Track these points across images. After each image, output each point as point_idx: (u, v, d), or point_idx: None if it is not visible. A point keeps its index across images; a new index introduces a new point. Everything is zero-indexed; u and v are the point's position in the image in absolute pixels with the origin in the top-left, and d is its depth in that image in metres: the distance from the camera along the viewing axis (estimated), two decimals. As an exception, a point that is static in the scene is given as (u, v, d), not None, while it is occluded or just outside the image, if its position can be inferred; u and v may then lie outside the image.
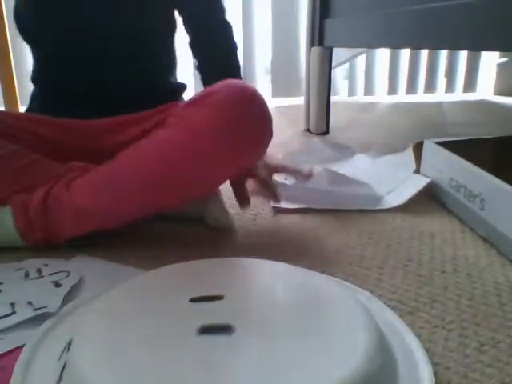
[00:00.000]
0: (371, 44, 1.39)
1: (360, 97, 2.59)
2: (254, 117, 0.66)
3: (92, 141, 0.81)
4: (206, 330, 0.44)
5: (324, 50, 1.53)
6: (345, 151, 1.27)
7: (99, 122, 0.82)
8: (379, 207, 0.91)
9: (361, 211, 0.89)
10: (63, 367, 0.42)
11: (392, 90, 2.65)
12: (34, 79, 0.87)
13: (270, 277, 0.58)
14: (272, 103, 2.20)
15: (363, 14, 1.30)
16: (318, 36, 1.53)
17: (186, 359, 0.41)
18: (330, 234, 0.79)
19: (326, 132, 1.61)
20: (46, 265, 0.65)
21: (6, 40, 1.63)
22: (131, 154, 0.69)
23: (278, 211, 0.89)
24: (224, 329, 0.45)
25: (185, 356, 0.41)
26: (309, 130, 1.64)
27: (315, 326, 0.46)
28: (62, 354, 0.44)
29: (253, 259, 0.62)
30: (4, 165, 0.70)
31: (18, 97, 1.66)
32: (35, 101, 0.87)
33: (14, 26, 0.83)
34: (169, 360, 0.41)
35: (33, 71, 0.87)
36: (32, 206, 0.67)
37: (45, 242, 0.69)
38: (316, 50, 1.53)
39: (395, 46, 1.40)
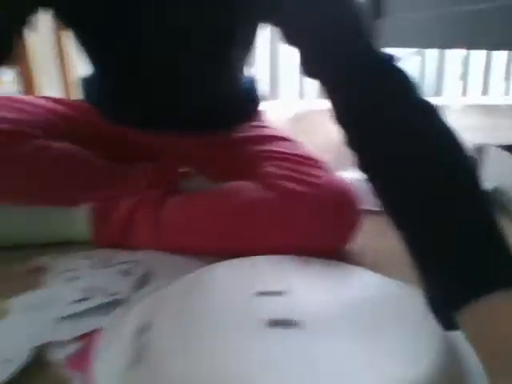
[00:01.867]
0: (427, 44, 1.37)
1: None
2: (349, 222, 0.68)
3: (155, 151, 0.83)
4: (275, 322, 0.46)
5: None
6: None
7: (164, 141, 0.82)
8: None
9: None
10: (140, 348, 0.45)
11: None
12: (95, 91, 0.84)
13: (336, 276, 0.58)
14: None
15: (419, 13, 1.28)
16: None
17: (257, 349, 0.42)
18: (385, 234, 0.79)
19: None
20: (114, 255, 0.68)
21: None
22: (219, 201, 0.70)
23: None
24: (291, 324, 0.45)
25: (256, 346, 0.43)
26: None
27: (382, 328, 0.46)
28: (138, 336, 0.47)
29: (312, 258, 0.63)
30: (78, 169, 0.73)
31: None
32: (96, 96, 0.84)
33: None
34: (241, 348, 0.42)
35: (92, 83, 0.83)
36: (112, 226, 0.70)
37: (113, 247, 0.71)
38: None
39: (451, 45, 1.37)
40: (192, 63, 0.73)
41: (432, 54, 2.50)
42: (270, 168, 0.74)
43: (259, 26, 0.76)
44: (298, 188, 0.67)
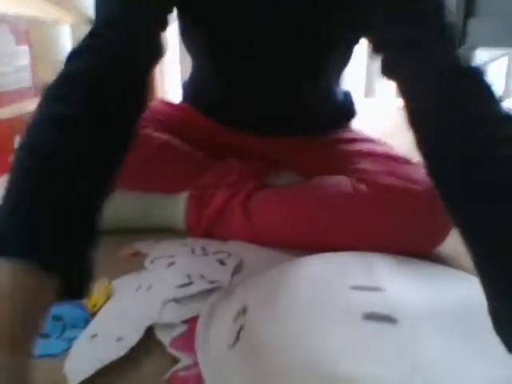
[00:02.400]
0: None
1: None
2: (446, 222, 0.59)
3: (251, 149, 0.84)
4: (370, 316, 0.45)
5: (466, 51, 1.45)
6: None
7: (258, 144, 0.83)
8: None
9: None
10: (239, 329, 0.46)
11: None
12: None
13: (428, 275, 0.56)
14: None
15: (509, 13, 1.21)
16: (460, 35, 1.45)
17: (354, 341, 0.42)
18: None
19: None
20: (208, 244, 0.70)
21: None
22: (307, 198, 0.70)
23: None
24: (387, 319, 0.44)
25: (353, 337, 0.43)
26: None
27: (478, 329, 0.42)
28: (236, 319, 0.48)
29: (402, 256, 0.61)
30: (180, 160, 0.77)
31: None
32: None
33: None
34: (337, 338, 0.42)
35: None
36: (207, 213, 0.72)
37: (205, 235, 0.73)
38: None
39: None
40: (293, 68, 0.74)
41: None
42: (363, 165, 0.72)
43: (355, 39, 0.75)
44: (397, 183, 0.65)
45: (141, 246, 0.70)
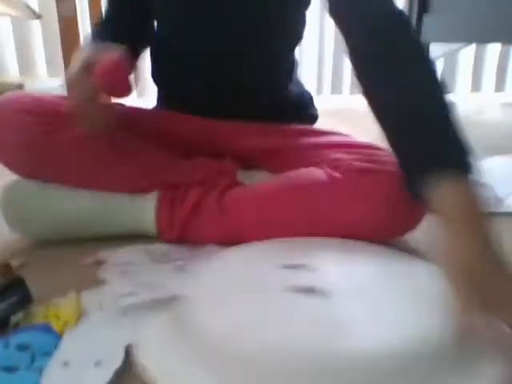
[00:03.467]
0: (477, 39, 1.33)
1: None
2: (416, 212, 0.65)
3: (215, 143, 0.82)
4: (298, 289, 0.49)
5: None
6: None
7: (225, 126, 0.82)
8: (503, 210, 0.86)
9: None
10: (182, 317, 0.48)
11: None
12: (160, 79, 0.88)
13: (367, 255, 0.59)
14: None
15: (470, 7, 1.24)
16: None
17: (282, 312, 0.46)
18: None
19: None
20: (170, 251, 0.67)
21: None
22: (282, 189, 0.68)
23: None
24: (315, 291, 0.48)
25: (281, 309, 0.46)
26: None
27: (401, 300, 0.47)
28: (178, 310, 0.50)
29: (345, 240, 0.63)
30: (147, 157, 0.74)
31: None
32: (160, 100, 0.89)
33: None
34: (266, 310, 0.46)
35: (156, 72, 0.88)
36: (180, 213, 0.69)
37: (178, 241, 0.70)
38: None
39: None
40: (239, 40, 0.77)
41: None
42: (335, 155, 0.71)
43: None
44: (371, 166, 0.65)
45: (104, 254, 0.66)
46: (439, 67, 2.34)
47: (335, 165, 0.68)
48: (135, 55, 0.79)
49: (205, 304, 0.48)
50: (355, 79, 0.64)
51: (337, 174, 0.66)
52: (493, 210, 0.86)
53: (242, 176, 0.78)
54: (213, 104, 0.81)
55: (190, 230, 0.69)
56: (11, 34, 1.73)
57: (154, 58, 0.88)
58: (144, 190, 0.72)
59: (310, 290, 0.48)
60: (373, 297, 0.48)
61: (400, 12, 0.64)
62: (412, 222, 0.67)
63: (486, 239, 0.46)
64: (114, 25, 0.81)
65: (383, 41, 0.61)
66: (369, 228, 0.64)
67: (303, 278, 0.51)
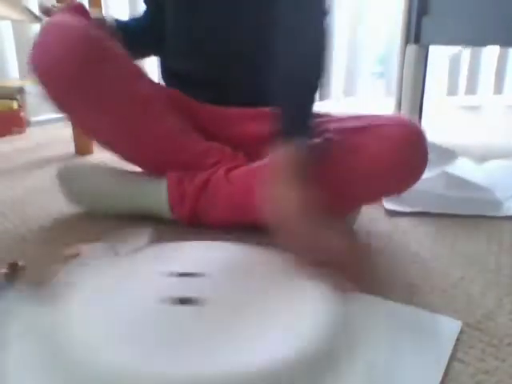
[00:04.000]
0: (476, 41, 1.33)
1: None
2: (421, 156, 0.69)
3: (225, 129, 0.83)
4: (179, 300, 0.49)
5: (420, 48, 1.48)
6: (446, 154, 1.22)
7: (230, 112, 0.82)
8: (503, 214, 0.86)
9: (483, 216, 0.85)
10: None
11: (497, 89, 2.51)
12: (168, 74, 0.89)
13: (251, 261, 0.60)
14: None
15: (470, 10, 1.24)
16: (414, 33, 1.48)
17: (166, 326, 0.45)
18: (456, 239, 0.77)
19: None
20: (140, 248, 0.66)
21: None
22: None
23: (393, 214, 0.87)
24: (198, 301, 0.49)
25: (165, 323, 0.46)
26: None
27: (279, 309, 0.48)
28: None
29: (236, 244, 0.64)
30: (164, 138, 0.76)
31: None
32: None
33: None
34: (153, 325, 0.45)
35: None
36: (191, 188, 0.74)
37: (190, 219, 0.75)
38: (412, 47, 1.49)
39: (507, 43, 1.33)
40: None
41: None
42: (329, 125, 0.72)
43: None
44: (365, 124, 0.68)
45: (84, 248, 0.67)
46: (439, 68, 2.35)
47: (329, 130, 0.71)
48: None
49: (73, 327, 0.45)
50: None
51: (330, 135, 0.69)
52: (492, 213, 0.86)
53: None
54: (216, 93, 0.82)
55: (200, 205, 0.74)
56: (12, 38, 1.73)
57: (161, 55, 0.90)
58: (158, 171, 0.77)
59: (188, 302, 0.49)
60: (251, 310, 0.48)
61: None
62: (418, 166, 0.69)
63: (301, 185, 0.57)
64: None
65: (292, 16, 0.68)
66: (376, 176, 0.66)
67: (186, 288, 0.51)
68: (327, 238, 0.55)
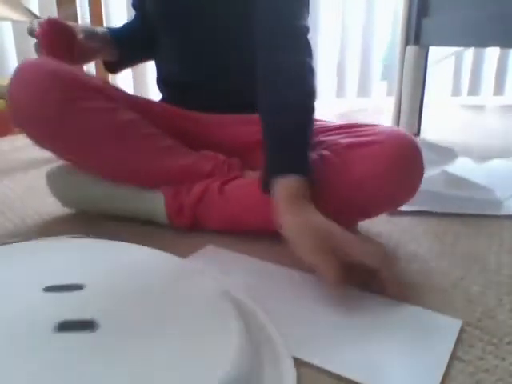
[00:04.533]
0: (476, 43, 1.34)
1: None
2: (417, 173, 0.68)
3: (213, 135, 0.84)
4: (65, 325, 0.39)
5: (420, 49, 1.48)
6: (446, 154, 1.22)
7: (218, 118, 0.84)
8: (503, 213, 0.86)
9: (483, 216, 0.85)
10: None
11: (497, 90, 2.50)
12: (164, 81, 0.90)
13: (136, 264, 0.52)
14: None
15: (470, 11, 1.24)
16: (414, 34, 1.48)
17: (40, 361, 0.35)
18: (456, 238, 0.77)
19: (417, 134, 1.56)
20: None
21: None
22: None
23: (393, 213, 0.87)
24: (86, 325, 0.39)
25: (39, 357, 0.35)
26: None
27: (181, 325, 0.41)
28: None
29: (117, 242, 0.58)
30: (156, 158, 0.75)
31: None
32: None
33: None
34: (21, 361, 0.35)
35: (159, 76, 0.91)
36: (189, 200, 0.74)
37: (190, 227, 0.75)
38: (411, 48, 1.49)
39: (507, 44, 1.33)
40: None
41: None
42: (321, 138, 0.72)
43: None
44: (359, 140, 0.67)
45: None
46: (439, 69, 2.35)
47: (322, 146, 0.70)
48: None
49: None
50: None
51: (325, 152, 0.68)
52: (493, 212, 0.86)
53: (247, 176, 0.79)
54: (207, 100, 0.83)
55: (198, 214, 0.74)
56: (12, 38, 1.73)
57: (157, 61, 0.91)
58: (154, 183, 0.76)
59: (78, 326, 0.39)
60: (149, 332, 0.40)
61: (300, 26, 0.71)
62: (414, 181, 0.69)
63: (306, 214, 0.59)
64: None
65: (272, 61, 0.69)
66: (371, 194, 0.66)
67: (71, 307, 0.41)
68: (367, 246, 0.57)
